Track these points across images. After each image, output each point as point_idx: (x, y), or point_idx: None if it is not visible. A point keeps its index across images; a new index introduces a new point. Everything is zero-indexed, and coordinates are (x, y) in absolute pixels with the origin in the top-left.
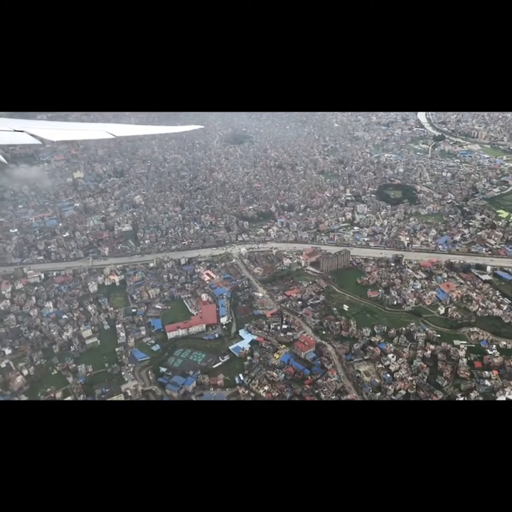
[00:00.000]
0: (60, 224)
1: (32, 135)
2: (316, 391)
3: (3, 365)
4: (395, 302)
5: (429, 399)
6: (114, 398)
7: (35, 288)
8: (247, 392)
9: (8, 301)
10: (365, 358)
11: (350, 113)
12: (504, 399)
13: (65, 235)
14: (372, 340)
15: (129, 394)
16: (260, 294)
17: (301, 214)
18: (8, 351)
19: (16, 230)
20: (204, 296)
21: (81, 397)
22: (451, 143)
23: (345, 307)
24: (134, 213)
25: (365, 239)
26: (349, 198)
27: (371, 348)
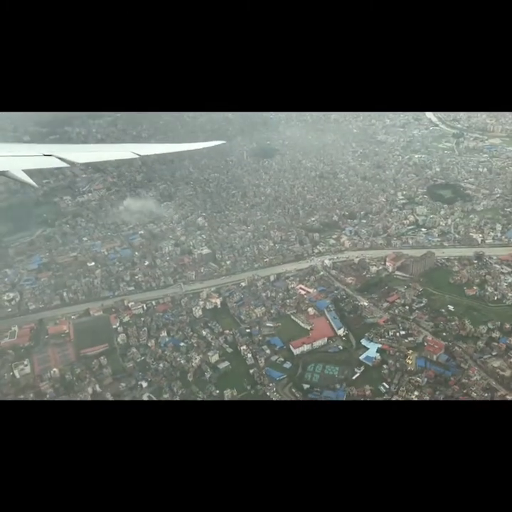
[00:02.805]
0: (136, 253)
1: (60, 158)
2: (464, 391)
3: (145, 397)
4: (495, 297)
5: None
6: None
7: (142, 319)
8: (400, 399)
9: (123, 334)
10: (493, 354)
11: (362, 117)
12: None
13: (146, 264)
14: (493, 336)
15: None
16: (364, 303)
17: (364, 221)
18: (144, 384)
19: (93, 263)
20: (311, 310)
21: None
22: (472, 139)
23: (451, 307)
24: (203, 236)
25: (437, 239)
26: (404, 201)
27: (495, 344)
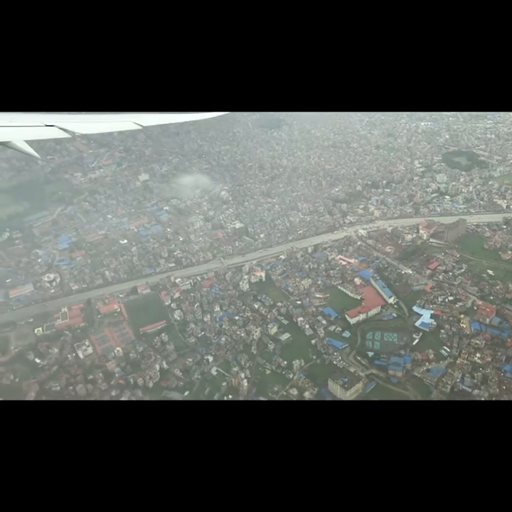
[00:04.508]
0: (168, 229)
1: (62, 129)
2: None
3: (214, 372)
4: None
5: None
6: (353, 389)
7: (192, 294)
8: (465, 361)
9: (178, 310)
10: None
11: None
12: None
13: (180, 239)
14: None
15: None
16: (408, 271)
17: (387, 190)
18: (210, 359)
19: (125, 240)
20: (357, 280)
21: (314, 392)
22: None
23: (490, 272)
24: (230, 210)
25: (463, 206)
26: (422, 169)
27: None
